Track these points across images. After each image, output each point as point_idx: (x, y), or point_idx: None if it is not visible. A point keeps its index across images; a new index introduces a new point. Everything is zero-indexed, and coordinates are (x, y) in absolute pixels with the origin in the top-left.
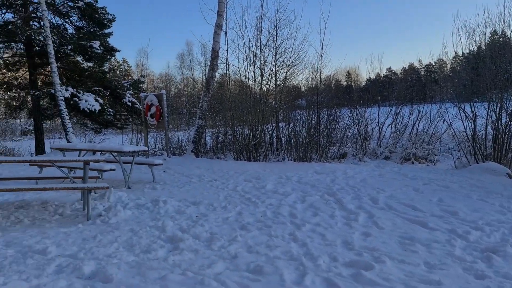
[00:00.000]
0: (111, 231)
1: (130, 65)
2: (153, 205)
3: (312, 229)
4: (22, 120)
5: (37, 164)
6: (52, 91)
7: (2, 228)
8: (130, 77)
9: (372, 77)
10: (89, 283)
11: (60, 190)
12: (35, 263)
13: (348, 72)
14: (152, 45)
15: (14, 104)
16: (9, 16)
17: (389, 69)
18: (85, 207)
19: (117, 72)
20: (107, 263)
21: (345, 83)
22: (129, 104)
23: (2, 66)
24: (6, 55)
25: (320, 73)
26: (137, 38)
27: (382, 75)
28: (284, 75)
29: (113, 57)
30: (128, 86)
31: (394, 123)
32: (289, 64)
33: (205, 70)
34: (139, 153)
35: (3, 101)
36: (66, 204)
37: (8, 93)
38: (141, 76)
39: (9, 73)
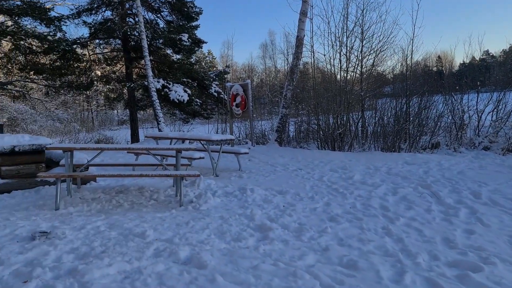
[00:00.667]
0: (202, 217)
1: (215, 57)
2: (241, 193)
3: (407, 224)
4: (118, 111)
5: (134, 152)
6: (146, 83)
7: (105, 211)
8: (215, 68)
9: (467, 61)
10: (185, 268)
11: (155, 177)
12: (135, 246)
13: (438, 56)
14: (236, 36)
15: (112, 96)
16: (108, 14)
17: (486, 52)
18: (177, 193)
19: (203, 63)
20: (201, 250)
21: (434, 68)
22: (215, 94)
23: (102, 61)
24: (105, 50)
25: (411, 57)
26: (221, 30)
27: (478, 59)
28: (372, 61)
29: (200, 49)
30: (214, 77)
31: (495, 110)
32: (376, 50)
33: (287, 59)
34: (226, 142)
35: (103, 94)
36: (160, 190)
37: (107, 86)
38: (226, 66)
39: (108, 67)
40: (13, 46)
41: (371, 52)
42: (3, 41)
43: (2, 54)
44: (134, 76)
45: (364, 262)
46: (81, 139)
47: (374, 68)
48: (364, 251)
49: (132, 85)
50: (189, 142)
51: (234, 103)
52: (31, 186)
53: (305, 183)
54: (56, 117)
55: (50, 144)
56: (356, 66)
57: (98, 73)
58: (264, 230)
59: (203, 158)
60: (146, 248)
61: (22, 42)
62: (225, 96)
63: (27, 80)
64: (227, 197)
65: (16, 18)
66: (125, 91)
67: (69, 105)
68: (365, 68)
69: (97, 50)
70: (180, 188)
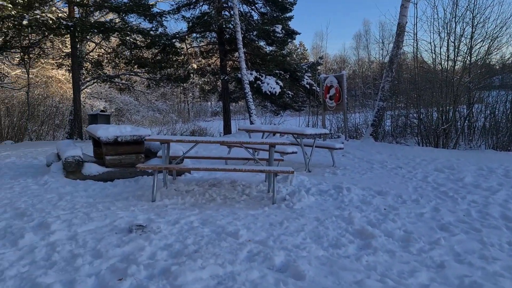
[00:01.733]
0: (296, 218)
1: (306, 48)
2: (337, 192)
3: None
4: (212, 102)
5: (227, 144)
6: (239, 75)
7: (199, 205)
8: (305, 60)
9: None
10: (281, 276)
11: (247, 172)
12: (228, 247)
13: None
14: (329, 27)
15: (207, 88)
16: (205, 8)
17: None
18: (269, 189)
19: (294, 55)
20: (297, 256)
21: None
22: (307, 86)
23: (198, 54)
24: (201, 44)
25: None
26: (313, 21)
27: None
28: (485, 48)
29: (292, 40)
30: (307, 69)
31: None
32: (492, 36)
33: (382, 49)
34: (320, 136)
35: (198, 86)
36: (252, 184)
37: (203, 78)
38: (319, 58)
39: (204, 60)
40: (120, 42)
41: (485, 38)
42: (111, 37)
43: (111, 50)
44: (228, 69)
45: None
46: (177, 129)
47: (487, 57)
48: (489, 272)
49: (226, 78)
50: (280, 135)
51: (328, 96)
52: (132, 175)
53: (407, 184)
54: (156, 108)
55: (149, 135)
56: (465, 55)
57: (194, 66)
58: (365, 236)
59: (295, 152)
60: (239, 250)
61: (128, 38)
62: (317, 88)
63: (132, 73)
64: (322, 196)
65: (123, 15)
66: (219, 83)
67: (168, 96)
68: (475, 57)
69: (194, 44)
70: (273, 185)
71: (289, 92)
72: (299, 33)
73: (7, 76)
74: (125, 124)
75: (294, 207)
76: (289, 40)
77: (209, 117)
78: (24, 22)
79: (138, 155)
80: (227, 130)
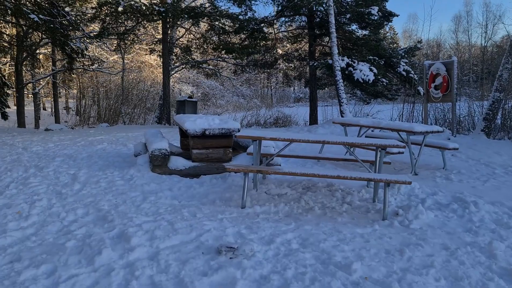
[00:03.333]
0: (417, 243)
1: (396, 32)
2: (461, 208)
3: None
4: (295, 88)
5: (327, 143)
6: (329, 61)
7: (294, 216)
8: (395, 44)
9: None
10: None
11: (352, 180)
12: (339, 283)
13: None
14: (423, 9)
15: (293, 74)
16: None
17: None
18: (375, 198)
19: (383, 41)
20: None
21: None
22: (404, 73)
23: (286, 39)
24: (290, 28)
25: None
26: (405, 2)
27: None
28: None
29: (389, 23)
30: (403, 54)
31: None
32: None
33: (484, 32)
34: (430, 134)
35: (282, 71)
36: (352, 190)
37: (289, 64)
38: (418, 42)
39: (291, 45)
40: (209, 27)
41: None
42: (201, 23)
43: (199, 35)
44: (316, 54)
45: None
46: (261, 115)
47: None
48: None
49: (315, 64)
50: (379, 131)
51: (433, 85)
52: (219, 171)
53: None
54: (240, 93)
55: (238, 129)
56: None
57: (280, 51)
58: None
59: (402, 153)
60: None
61: (217, 23)
62: (415, 76)
63: (219, 59)
64: (442, 211)
65: (213, 0)
66: (305, 69)
67: (251, 82)
68: None
69: (282, 29)
70: (385, 198)
71: (384, 80)
72: (397, 15)
73: (105, 61)
74: (212, 115)
75: (410, 226)
76: (385, 23)
77: (291, 103)
78: (120, 9)
79: (226, 149)
80: (313, 119)
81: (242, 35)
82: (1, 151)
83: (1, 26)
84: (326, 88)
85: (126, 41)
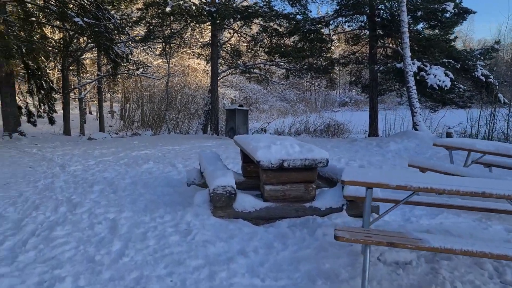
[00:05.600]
0: None
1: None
2: None
3: None
4: (340, 92)
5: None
6: (397, 64)
7: None
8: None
9: None
10: None
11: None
12: None
13: None
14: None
15: (350, 79)
16: None
17: None
18: None
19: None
20: None
21: None
22: (482, 78)
23: (344, 40)
24: (348, 29)
25: None
26: None
27: None
28: None
29: (464, 21)
30: (478, 56)
31: None
32: None
33: None
34: None
35: (335, 76)
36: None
37: (345, 68)
38: (495, 42)
39: (349, 47)
40: (260, 29)
41: None
42: (253, 24)
43: (250, 38)
44: (378, 57)
45: None
46: (311, 123)
47: None
48: None
49: (378, 67)
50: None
51: None
52: (298, 214)
53: None
54: (284, 98)
55: (327, 161)
56: None
57: (337, 54)
58: None
59: None
60: None
61: (271, 24)
62: (494, 80)
63: (271, 63)
64: None
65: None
66: (363, 74)
67: (295, 85)
68: None
69: (339, 30)
70: None
71: (461, 86)
72: (474, 12)
73: (150, 66)
74: (289, 138)
75: None
76: (460, 21)
77: (336, 107)
78: (168, 9)
79: (308, 184)
80: (373, 129)
81: (296, 37)
82: (37, 170)
83: (48, 31)
84: (384, 94)
85: (172, 45)
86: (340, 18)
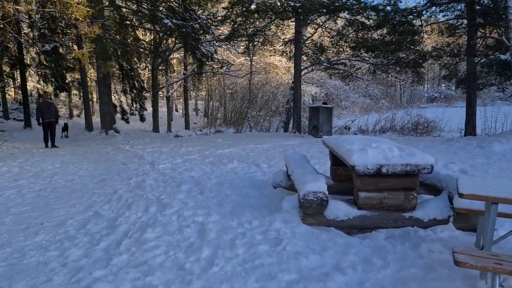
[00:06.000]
0: None
1: None
2: None
3: None
4: (427, 86)
5: None
6: (502, 56)
7: None
8: None
9: None
10: None
11: None
12: None
13: None
14: None
15: (443, 73)
16: None
17: None
18: None
19: None
20: None
21: None
22: None
23: (437, 31)
24: (442, 19)
25: None
26: None
27: None
28: None
29: None
30: None
31: None
32: None
33: None
34: None
35: (423, 70)
36: None
37: (438, 61)
38: None
39: (447, 38)
40: (346, 23)
41: None
42: (339, 18)
43: (335, 32)
44: (478, 48)
45: None
46: (398, 120)
47: None
48: None
49: (478, 60)
50: None
51: None
52: (397, 224)
53: None
54: (367, 93)
55: (431, 167)
56: None
57: (429, 46)
58: None
59: None
60: None
61: (358, 17)
62: None
63: (356, 58)
64: None
65: None
66: (459, 67)
67: (379, 81)
68: None
69: (432, 20)
70: None
71: None
72: None
73: (233, 64)
74: (385, 140)
75: None
76: None
77: (424, 103)
78: (252, 7)
79: (408, 192)
80: (470, 127)
81: (384, 30)
82: (129, 167)
83: (139, 33)
84: (482, 89)
85: (255, 43)
86: (434, 8)
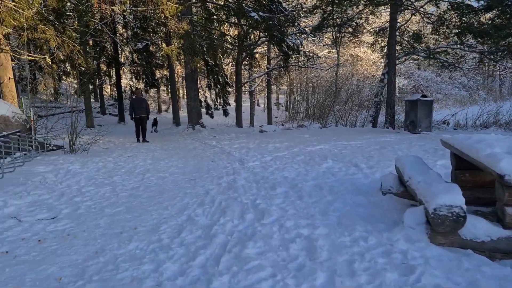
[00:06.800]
0: None
1: None
2: None
3: None
4: None
5: None
6: None
7: None
8: None
9: None
10: None
11: None
12: None
13: None
14: None
15: None
16: None
17: None
18: None
19: None
20: None
21: None
22: None
23: None
24: None
25: None
26: None
27: None
28: None
29: None
30: None
31: None
32: None
33: None
34: None
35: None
36: None
37: None
38: None
39: None
40: (449, 6)
41: None
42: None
43: (435, 18)
44: None
45: None
46: (504, 113)
47: None
48: None
49: None
50: None
51: None
52: None
53: None
54: (461, 85)
55: None
56: None
57: None
58: None
59: None
60: None
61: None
62: None
63: (458, 46)
64: None
65: None
66: None
67: (475, 71)
68: None
69: None
70: None
71: None
72: None
73: (319, 56)
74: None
75: None
76: None
77: None
78: None
79: None
80: None
81: (494, 12)
82: (218, 164)
83: (225, 28)
84: None
85: (344, 33)
86: None
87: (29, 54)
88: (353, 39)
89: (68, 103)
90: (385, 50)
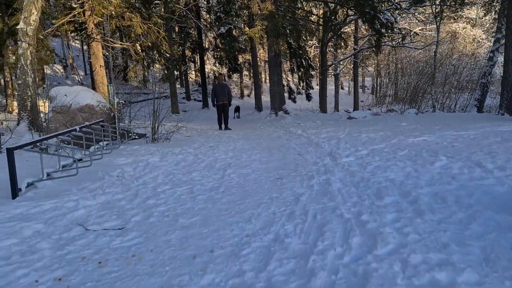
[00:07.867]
0: None
1: None
2: None
3: None
4: None
5: None
6: None
7: None
8: None
9: None
10: None
11: None
12: None
13: None
14: None
15: None
16: None
17: None
18: None
19: None
20: None
21: None
22: None
23: None
24: None
25: None
26: None
27: None
28: None
29: None
30: None
31: None
32: None
33: None
34: None
35: None
36: None
37: None
38: None
39: None
40: None
41: None
42: None
43: None
44: None
45: None
46: None
47: None
48: None
49: None
50: None
51: None
52: None
53: None
54: None
55: None
56: None
57: None
58: None
59: None
60: None
61: None
62: None
63: None
64: None
65: None
66: None
67: None
68: None
69: None
70: None
71: None
72: None
73: (418, 34)
74: None
75: None
76: None
77: None
78: None
79: None
80: None
81: None
82: (306, 159)
83: (308, 7)
84: None
85: (449, 5)
86: None
87: (121, 42)
88: (454, 13)
89: (156, 89)
90: (497, 24)
